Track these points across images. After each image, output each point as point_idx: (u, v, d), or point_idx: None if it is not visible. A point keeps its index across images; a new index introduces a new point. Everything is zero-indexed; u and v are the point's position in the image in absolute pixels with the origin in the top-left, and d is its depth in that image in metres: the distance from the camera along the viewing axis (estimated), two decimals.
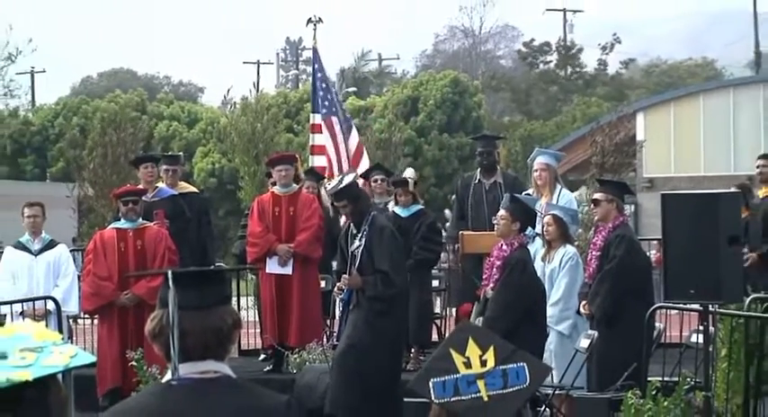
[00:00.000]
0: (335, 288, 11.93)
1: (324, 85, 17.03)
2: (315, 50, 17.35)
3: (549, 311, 11.72)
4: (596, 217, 12.34)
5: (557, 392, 10.91)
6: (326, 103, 16.85)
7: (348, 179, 11.85)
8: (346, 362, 11.20)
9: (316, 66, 17.19)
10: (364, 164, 16.45)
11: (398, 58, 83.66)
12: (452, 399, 3.59)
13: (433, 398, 3.61)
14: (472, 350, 3.62)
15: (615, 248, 11.68)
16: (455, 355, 3.62)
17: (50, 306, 12.69)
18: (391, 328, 11.21)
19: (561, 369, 11.13)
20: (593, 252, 11.89)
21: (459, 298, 14.65)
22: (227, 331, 4.18)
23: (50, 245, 13.29)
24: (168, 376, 4.11)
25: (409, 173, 15.62)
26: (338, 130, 16.72)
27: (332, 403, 11.22)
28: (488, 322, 11.22)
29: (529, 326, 10.92)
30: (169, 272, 4.13)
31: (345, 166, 16.20)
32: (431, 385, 3.61)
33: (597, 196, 12.24)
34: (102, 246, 12.96)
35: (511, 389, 3.59)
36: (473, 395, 3.57)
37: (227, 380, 4.11)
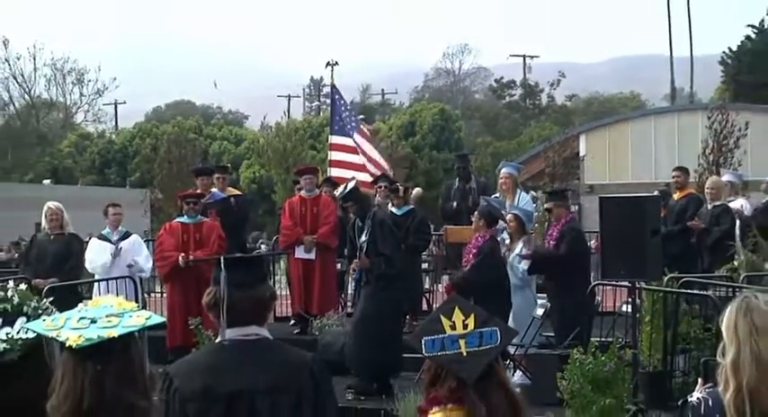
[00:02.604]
0: (350, 269, 11.94)
1: (346, 114, 16.85)
2: (333, 86, 17.29)
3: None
4: (552, 219, 12.37)
5: (518, 351, 10.91)
6: (349, 126, 16.63)
7: (351, 185, 11.88)
8: (360, 328, 11.19)
9: (336, 97, 17.07)
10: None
11: (396, 93, 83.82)
12: (438, 353, 3.59)
13: (423, 352, 3.61)
14: (457, 316, 3.62)
15: (566, 237, 11.72)
16: (444, 319, 3.62)
17: (128, 284, 12.72)
18: (393, 299, 11.18)
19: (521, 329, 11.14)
20: (550, 242, 11.91)
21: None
22: (267, 302, 4.20)
23: (126, 236, 13.30)
24: (220, 337, 4.12)
25: (415, 191, 15.51)
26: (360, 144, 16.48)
27: (350, 360, 11.22)
28: (465, 274, 11.36)
29: (496, 296, 10.93)
30: (222, 258, 4.15)
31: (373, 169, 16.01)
32: (423, 342, 3.61)
33: (548, 205, 12.34)
34: (169, 231, 13.07)
35: (485, 347, 3.59)
36: (455, 351, 3.58)
37: (266, 341, 4.12)
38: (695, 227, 13.50)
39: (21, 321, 3.92)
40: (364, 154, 16.50)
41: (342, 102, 17.06)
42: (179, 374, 4.00)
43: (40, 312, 3.98)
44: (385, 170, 16.28)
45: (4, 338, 3.91)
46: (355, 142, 16.46)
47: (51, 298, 4.17)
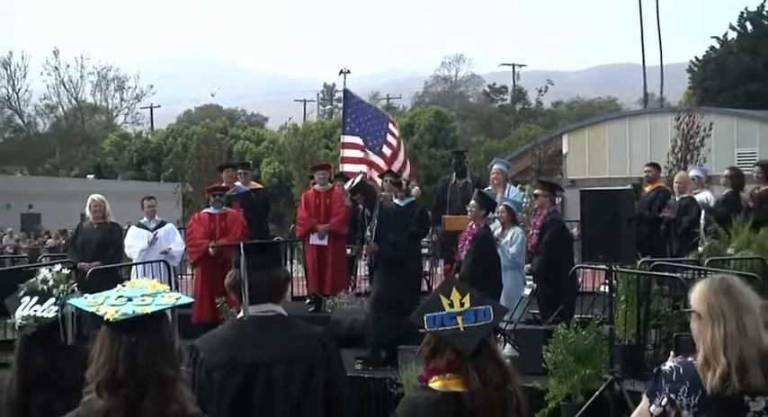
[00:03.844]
0: (362, 254, 11.94)
1: (358, 115, 16.71)
2: (345, 92, 17.24)
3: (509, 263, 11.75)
4: (536, 206, 12.33)
5: (508, 326, 10.89)
6: (369, 128, 16.48)
7: (358, 179, 11.89)
8: (375, 307, 11.16)
9: (348, 101, 16.99)
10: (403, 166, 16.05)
11: (400, 98, 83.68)
12: (439, 328, 3.58)
13: (426, 327, 3.60)
14: (455, 295, 3.62)
15: (550, 226, 11.69)
16: (443, 298, 3.61)
17: (162, 267, 12.72)
18: (403, 279, 11.15)
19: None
20: (534, 231, 11.87)
21: (445, 262, 14.80)
22: (282, 283, 4.20)
23: (161, 224, 13.31)
24: (240, 314, 4.12)
25: (414, 190, 15.40)
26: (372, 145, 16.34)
27: (370, 335, 11.22)
28: (464, 272, 11.29)
29: (490, 278, 10.91)
30: (241, 244, 4.15)
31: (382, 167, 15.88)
32: (425, 318, 3.60)
33: (536, 191, 12.28)
34: (198, 221, 13.06)
35: (480, 323, 3.59)
36: (453, 326, 3.57)
37: (282, 317, 4.12)
38: (666, 217, 13.46)
39: (50, 302, 3.96)
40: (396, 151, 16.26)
41: (361, 105, 17.00)
42: (204, 347, 4.01)
43: (64, 295, 4.01)
44: (403, 169, 16.00)
45: (25, 315, 3.97)
46: (391, 138, 16.27)
47: (76, 283, 4.18)
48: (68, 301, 3.94)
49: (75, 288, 4.05)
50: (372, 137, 16.35)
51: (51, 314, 3.96)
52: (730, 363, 3.30)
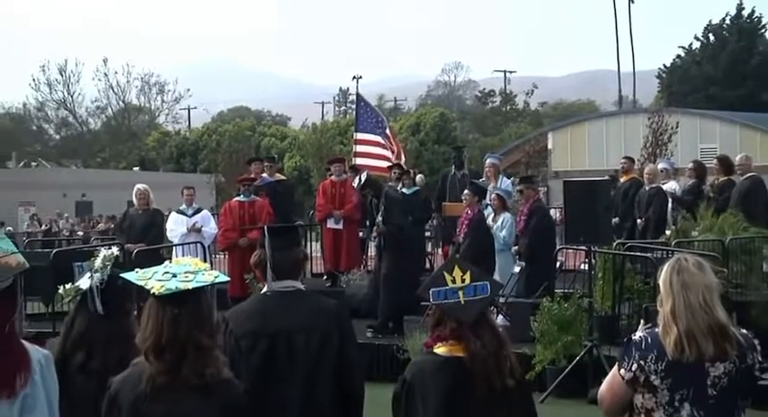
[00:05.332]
0: (372, 236, 11.95)
1: (371, 115, 16.71)
2: (357, 95, 17.23)
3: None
4: (522, 200, 12.32)
5: (501, 299, 10.89)
6: (374, 126, 16.48)
7: (364, 177, 11.94)
8: (387, 285, 11.18)
9: (362, 103, 16.98)
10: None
11: (406, 100, 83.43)
12: (443, 301, 3.59)
13: (431, 301, 3.61)
14: (457, 272, 3.62)
15: (535, 213, 11.69)
16: (446, 275, 3.62)
17: (199, 247, 12.70)
18: (409, 259, 11.15)
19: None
20: (522, 217, 11.88)
21: (443, 243, 14.79)
22: (300, 261, 4.21)
23: (198, 211, 13.29)
24: (265, 289, 4.13)
25: (418, 178, 15.37)
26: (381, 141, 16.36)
27: (380, 310, 11.25)
28: (463, 253, 11.29)
29: (485, 257, 10.90)
30: (265, 227, 4.16)
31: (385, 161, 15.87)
32: (430, 292, 3.60)
33: (519, 188, 12.34)
34: (229, 210, 13.03)
35: (479, 297, 3.59)
36: (455, 300, 3.57)
37: (300, 291, 4.11)
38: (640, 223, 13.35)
39: (97, 276, 3.99)
40: (392, 146, 16.33)
41: (369, 107, 17.01)
42: (233, 318, 4.02)
43: (99, 269, 4.03)
44: (400, 159, 16.07)
45: (69, 286, 4.01)
46: (386, 136, 16.31)
47: (117, 262, 4.17)
48: (96, 275, 3.98)
49: (107, 266, 4.06)
50: (380, 130, 16.40)
51: (84, 286, 3.99)
52: (680, 332, 3.37)
